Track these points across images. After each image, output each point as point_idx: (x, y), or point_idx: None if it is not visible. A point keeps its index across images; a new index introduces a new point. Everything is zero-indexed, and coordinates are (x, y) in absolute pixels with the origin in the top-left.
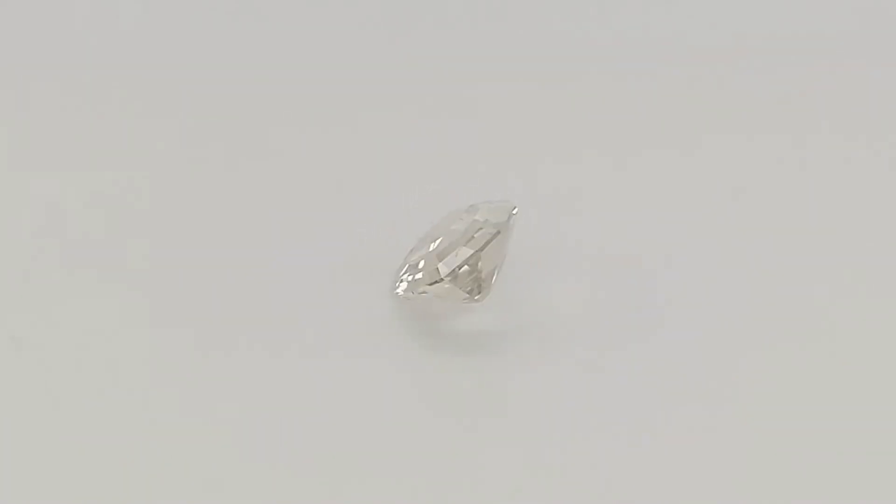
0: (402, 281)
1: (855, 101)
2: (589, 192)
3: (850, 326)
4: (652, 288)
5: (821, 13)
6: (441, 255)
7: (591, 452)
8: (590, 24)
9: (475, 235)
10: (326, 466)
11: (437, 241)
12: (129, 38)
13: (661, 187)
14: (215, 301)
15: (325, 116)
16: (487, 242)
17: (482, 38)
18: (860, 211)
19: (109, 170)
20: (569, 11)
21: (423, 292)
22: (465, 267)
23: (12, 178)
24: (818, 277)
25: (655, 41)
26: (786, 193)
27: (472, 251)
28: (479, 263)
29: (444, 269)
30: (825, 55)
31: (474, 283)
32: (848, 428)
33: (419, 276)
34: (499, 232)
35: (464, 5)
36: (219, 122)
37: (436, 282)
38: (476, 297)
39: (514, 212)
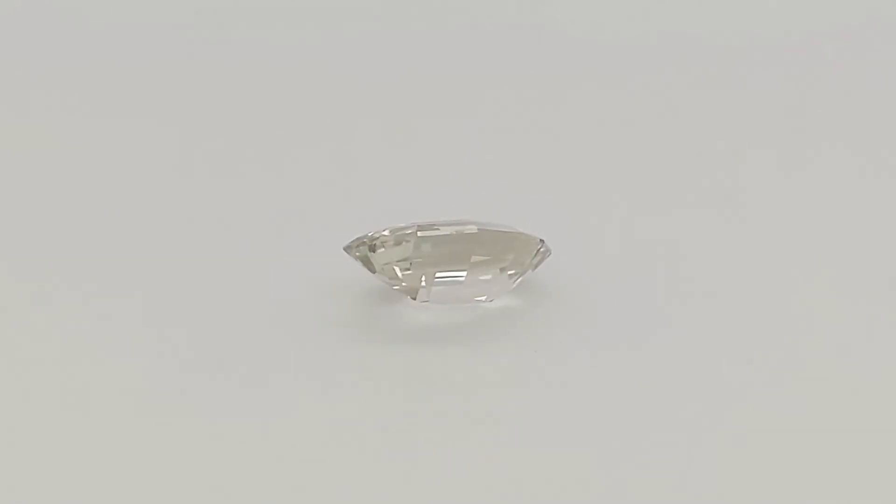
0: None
1: (857, 104)
2: (588, 193)
3: (853, 328)
4: (652, 289)
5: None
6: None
7: (588, 453)
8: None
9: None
10: (318, 467)
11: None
12: (128, 38)
13: (661, 189)
14: (207, 301)
15: (337, 133)
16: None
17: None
18: (862, 213)
19: (101, 172)
20: (572, 19)
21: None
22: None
23: (9, 179)
24: (821, 279)
25: (664, 47)
26: (787, 194)
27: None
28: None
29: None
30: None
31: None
32: (849, 429)
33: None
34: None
35: (484, 23)
36: (215, 124)
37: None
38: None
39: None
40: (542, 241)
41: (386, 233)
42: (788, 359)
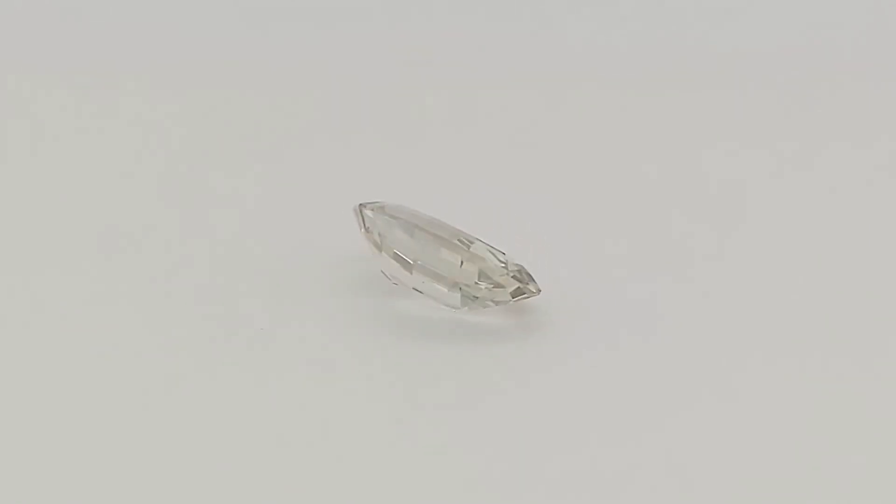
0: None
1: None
2: (588, 194)
3: (853, 328)
4: (653, 288)
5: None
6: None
7: (589, 454)
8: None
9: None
10: (321, 466)
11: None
12: (128, 38)
13: (658, 188)
14: (209, 297)
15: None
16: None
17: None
18: (863, 211)
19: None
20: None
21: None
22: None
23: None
24: (821, 280)
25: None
26: (787, 196)
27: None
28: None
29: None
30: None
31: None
32: (850, 430)
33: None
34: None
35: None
36: (216, 121)
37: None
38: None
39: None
40: (530, 288)
41: (374, 202)
42: (788, 359)
